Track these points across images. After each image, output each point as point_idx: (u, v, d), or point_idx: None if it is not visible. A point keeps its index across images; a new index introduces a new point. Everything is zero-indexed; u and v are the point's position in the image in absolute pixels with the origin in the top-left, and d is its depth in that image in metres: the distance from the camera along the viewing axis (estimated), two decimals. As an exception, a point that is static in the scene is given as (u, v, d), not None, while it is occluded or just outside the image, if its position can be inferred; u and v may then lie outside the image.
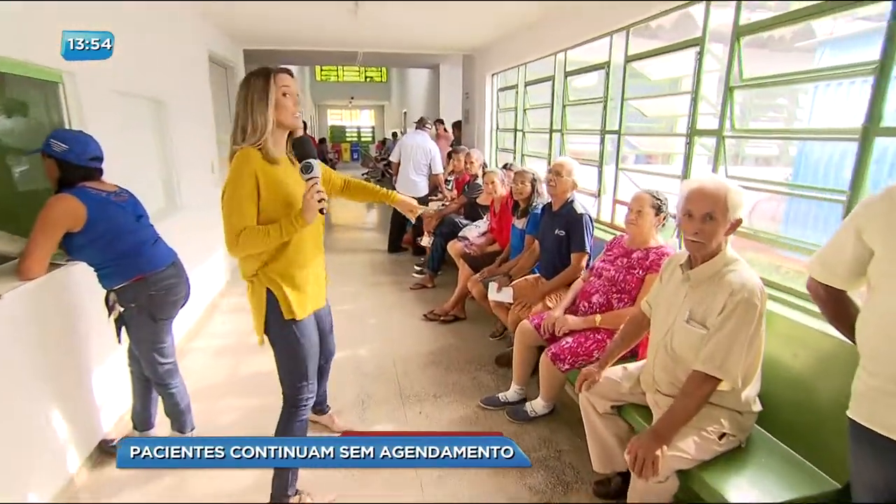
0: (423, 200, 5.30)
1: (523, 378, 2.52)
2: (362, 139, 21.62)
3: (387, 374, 2.90)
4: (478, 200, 4.33)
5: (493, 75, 5.68)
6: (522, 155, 4.86)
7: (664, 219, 2.20)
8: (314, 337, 1.70)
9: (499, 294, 2.89)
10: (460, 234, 4.25)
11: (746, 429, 1.59)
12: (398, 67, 13.32)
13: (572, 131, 3.96)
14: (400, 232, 5.83)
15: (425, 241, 4.64)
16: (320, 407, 2.29)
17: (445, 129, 6.32)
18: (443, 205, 5.15)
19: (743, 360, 1.45)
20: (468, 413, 2.54)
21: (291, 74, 1.55)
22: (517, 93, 4.89)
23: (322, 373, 2.04)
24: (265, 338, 1.66)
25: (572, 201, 2.70)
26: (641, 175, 2.98)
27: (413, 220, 5.03)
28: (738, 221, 1.49)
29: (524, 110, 4.73)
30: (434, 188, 5.39)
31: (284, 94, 1.50)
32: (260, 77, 1.49)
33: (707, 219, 1.50)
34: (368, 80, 18.64)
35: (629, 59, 2.89)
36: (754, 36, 2.10)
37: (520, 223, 3.19)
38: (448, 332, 3.54)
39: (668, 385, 1.63)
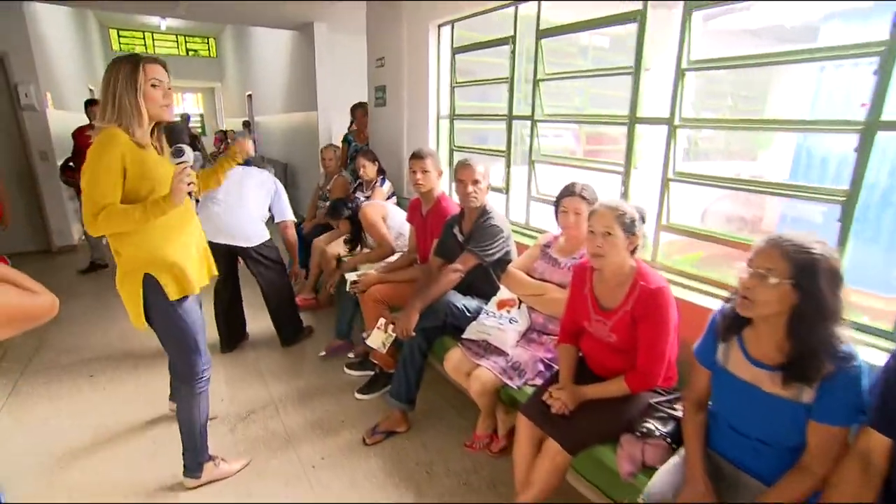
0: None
1: None
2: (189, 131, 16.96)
3: None
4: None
5: (440, 27, 3.46)
6: (531, 161, 2.79)
7: None
8: (199, 312, 1.76)
9: None
10: (474, 334, 2.07)
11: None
12: (243, 24, 9.87)
13: (698, 122, 2.06)
14: (279, 299, 3.05)
15: (374, 340, 2.35)
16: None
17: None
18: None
19: None
20: None
21: (164, 66, 1.56)
22: (513, 53, 2.79)
23: None
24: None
25: None
26: None
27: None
28: None
29: (536, 82, 2.66)
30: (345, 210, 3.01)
31: (154, 86, 1.52)
32: (128, 63, 1.49)
33: None
34: (192, 54, 14.29)
35: None
36: None
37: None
38: None
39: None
